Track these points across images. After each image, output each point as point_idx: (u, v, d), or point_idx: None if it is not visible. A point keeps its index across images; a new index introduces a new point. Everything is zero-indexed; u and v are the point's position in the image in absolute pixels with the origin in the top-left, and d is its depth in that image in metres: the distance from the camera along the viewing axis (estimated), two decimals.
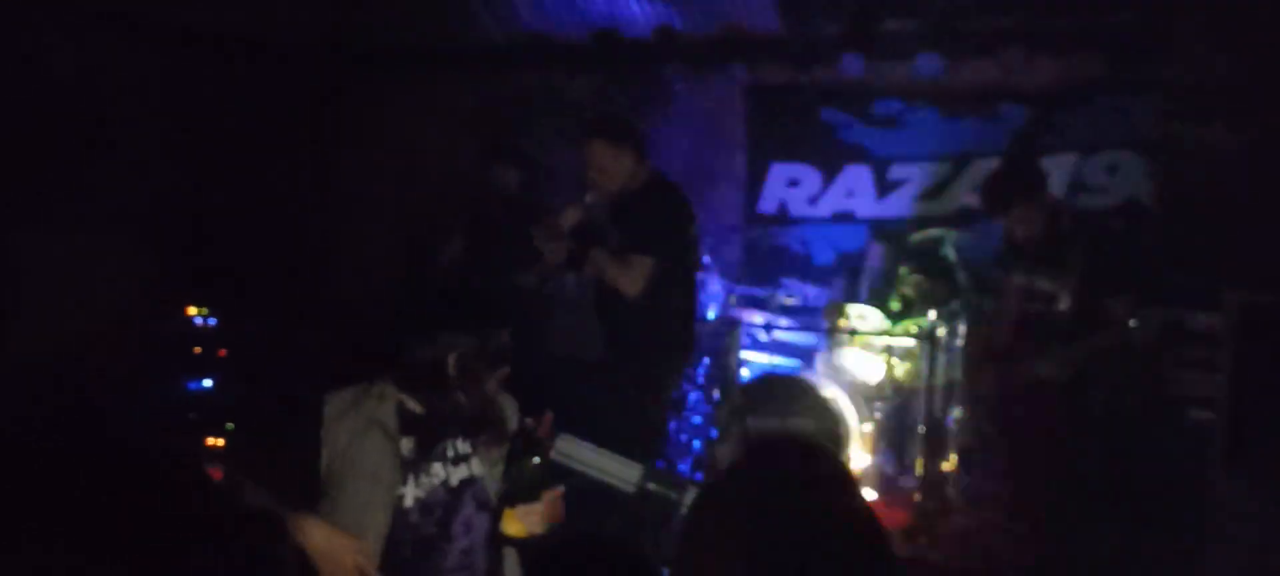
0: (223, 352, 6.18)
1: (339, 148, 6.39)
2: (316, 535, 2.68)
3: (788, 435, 2.66)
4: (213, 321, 6.19)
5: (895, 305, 6.13)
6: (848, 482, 1.49)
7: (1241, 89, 4.80)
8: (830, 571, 1.34)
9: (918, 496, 5.47)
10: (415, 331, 2.87)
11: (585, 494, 3.44)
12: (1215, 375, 3.60)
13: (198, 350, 6.15)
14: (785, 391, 5.86)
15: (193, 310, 6.16)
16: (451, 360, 2.82)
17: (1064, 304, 4.29)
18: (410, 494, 2.85)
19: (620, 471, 3.11)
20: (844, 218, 6.83)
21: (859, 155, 6.79)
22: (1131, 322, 3.99)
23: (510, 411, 3.06)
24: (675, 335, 4.76)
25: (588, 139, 4.63)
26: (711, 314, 6.16)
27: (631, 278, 4.49)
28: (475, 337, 2.85)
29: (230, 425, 5.82)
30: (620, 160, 4.58)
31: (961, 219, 6.25)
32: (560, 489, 2.90)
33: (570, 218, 4.60)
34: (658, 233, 4.58)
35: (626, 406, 4.51)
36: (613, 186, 4.60)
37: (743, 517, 1.39)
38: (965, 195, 6.46)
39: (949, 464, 5.57)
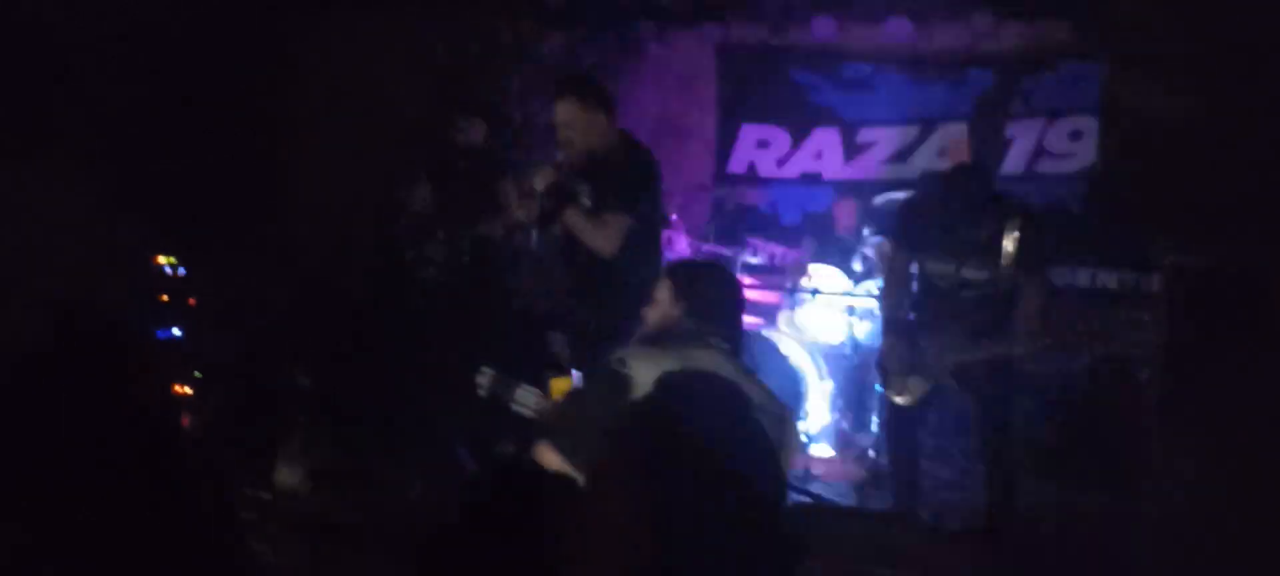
0: (192, 301, 6.19)
1: (306, 94, 6.39)
2: None
3: (696, 369, 2.72)
4: (182, 271, 6.19)
5: (858, 266, 6.19)
6: (744, 412, 1.55)
7: (1180, 57, 4.89)
8: (725, 490, 1.41)
9: (873, 452, 5.58)
10: None
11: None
12: (1151, 334, 3.69)
13: (165, 299, 6.16)
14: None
15: (162, 259, 6.16)
16: None
17: (991, 288, 4.41)
18: None
19: None
20: (811, 179, 6.88)
21: (828, 117, 6.84)
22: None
23: None
24: (640, 292, 4.81)
25: (559, 97, 4.64)
26: None
27: (606, 236, 4.52)
28: None
29: (198, 374, 5.85)
30: (592, 120, 4.60)
31: (926, 183, 6.31)
32: None
33: (542, 178, 4.63)
34: (629, 193, 4.62)
35: (591, 361, 4.57)
36: (583, 146, 4.62)
37: (648, 444, 1.45)
38: (931, 159, 6.54)
39: None
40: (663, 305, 3.11)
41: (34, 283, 5.13)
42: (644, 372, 2.80)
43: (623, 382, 2.81)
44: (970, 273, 4.46)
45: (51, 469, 2.11)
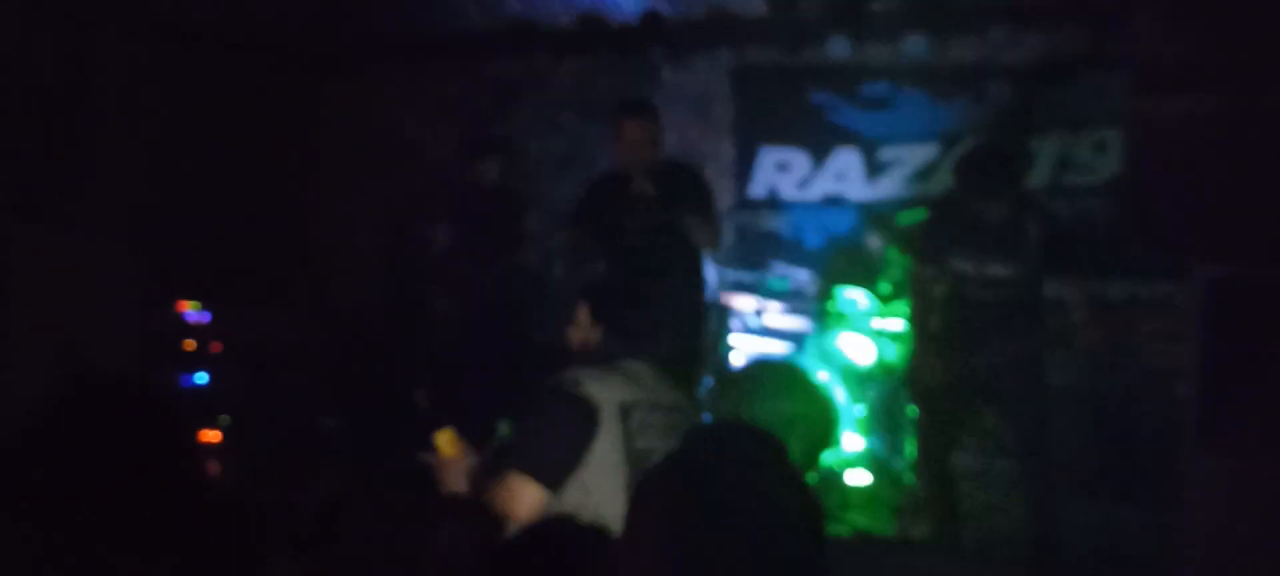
0: (217, 347, 6.19)
1: (324, 137, 6.41)
2: None
3: (731, 422, 2.71)
4: (207, 316, 6.19)
5: (886, 288, 6.12)
6: (786, 469, 1.51)
7: (1205, 62, 4.82)
8: (759, 556, 1.37)
9: (909, 476, 5.50)
10: None
11: None
12: (1185, 348, 3.61)
13: (191, 345, 6.15)
14: (776, 377, 5.86)
15: (186, 305, 6.16)
16: None
17: (1016, 291, 4.34)
18: None
19: None
20: (834, 201, 6.81)
21: (848, 138, 6.78)
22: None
23: None
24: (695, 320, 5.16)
25: (631, 117, 4.82)
26: None
27: (712, 231, 4.93)
28: None
29: (225, 419, 5.84)
30: (658, 138, 4.88)
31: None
32: None
33: (646, 184, 4.80)
34: (709, 195, 5.01)
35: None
36: (649, 161, 4.84)
37: (678, 501, 1.42)
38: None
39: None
40: (583, 327, 3.26)
41: (55, 332, 5.15)
42: (600, 392, 2.97)
43: (585, 404, 2.94)
44: (995, 270, 4.39)
45: (74, 515, 2.09)
